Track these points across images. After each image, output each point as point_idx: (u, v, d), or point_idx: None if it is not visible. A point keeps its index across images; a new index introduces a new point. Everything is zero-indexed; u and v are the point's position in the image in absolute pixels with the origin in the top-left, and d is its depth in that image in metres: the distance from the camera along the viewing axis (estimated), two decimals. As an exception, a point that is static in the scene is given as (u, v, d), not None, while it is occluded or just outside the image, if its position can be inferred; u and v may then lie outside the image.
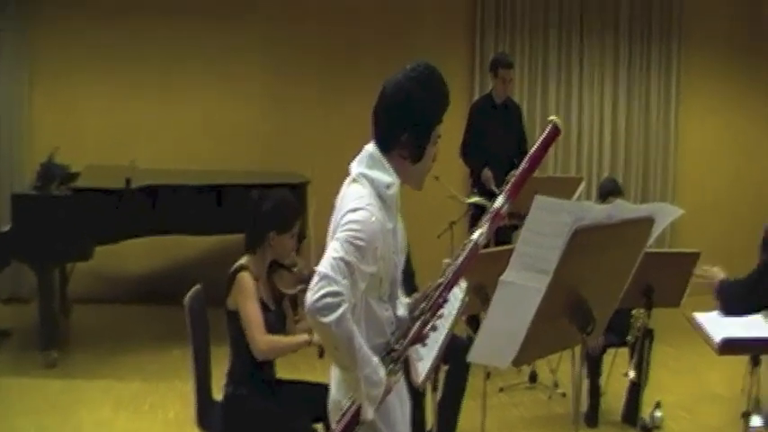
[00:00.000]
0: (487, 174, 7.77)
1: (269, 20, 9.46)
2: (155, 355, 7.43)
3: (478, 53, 9.91)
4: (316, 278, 2.74)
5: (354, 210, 2.85)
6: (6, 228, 7.00)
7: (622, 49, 10.39)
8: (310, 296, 2.71)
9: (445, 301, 3.00)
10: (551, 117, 3.14)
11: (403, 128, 2.94)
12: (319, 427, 4.33)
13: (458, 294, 3.83)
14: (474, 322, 6.06)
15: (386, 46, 9.17)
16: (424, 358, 3.45)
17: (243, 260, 4.50)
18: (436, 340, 3.77)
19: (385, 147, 2.98)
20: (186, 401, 4.69)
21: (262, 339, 4.30)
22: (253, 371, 4.42)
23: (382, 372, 2.87)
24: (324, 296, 2.70)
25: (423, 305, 3.01)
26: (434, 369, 4.10)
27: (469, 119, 8.27)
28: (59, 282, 7.92)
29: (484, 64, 9.28)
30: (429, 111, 2.96)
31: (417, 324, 2.98)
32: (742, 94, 10.86)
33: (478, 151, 8.03)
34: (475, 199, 7.10)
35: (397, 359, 2.96)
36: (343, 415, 2.93)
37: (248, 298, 4.34)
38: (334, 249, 2.77)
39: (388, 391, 2.91)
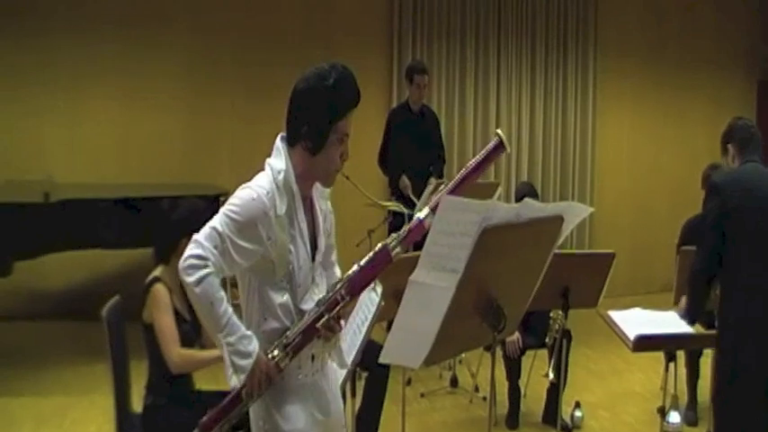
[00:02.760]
0: (405, 181, 7.85)
1: (184, 32, 9.41)
2: (76, 371, 7.35)
3: (396, 61, 9.96)
4: (189, 243, 2.93)
5: (242, 188, 3.01)
6: None
7: (539, 54, 10.53)
8: (181, 259, 2.90)
9: (343, 298, 3.06)
10: (497, 130, 3.19)
11: (303, 120, 3.03)
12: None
13: (374, 299, 3.86)
14: (393, 327, 6.09)
15: (303, 55, 9.16)
16: (343, 365, 3.46)
17: (157, 272, 4.48)
18: (353, 345, 3.80)
19: (290, 139, 3.09)
20: (108, 416, 4.65)
21: (176, 353, 4.29)
22: (170, 382, 4.40)
23: (252, 346, 2.99)
24: (189, 257, 2.91)
25: (319, 299, 3.08)
26: (351, 374, 4.13)
27: (387, 126, 8.35)
28: (-23, 298, 7.80)
29: (402, 72, 9.30)
30: (326, 104, 3.01)
31: (310, 317, 3.06)
32: (655, 95, 11.12)
33: (396, 158, 8.10)
34: (392, 205, 7.14)
35: (285, 347, 3.04)
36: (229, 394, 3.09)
37: (162, 311, 4.33)
38: (212, 221, 2.96)
39: (272, 374, 3.03)
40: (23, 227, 7.04)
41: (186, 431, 4.42)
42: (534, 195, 6.48)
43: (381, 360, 3.13)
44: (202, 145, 9.45)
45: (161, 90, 9.38)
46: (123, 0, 9.22)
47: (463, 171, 3.13)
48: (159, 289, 4.36)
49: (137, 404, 4.61)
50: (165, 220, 4.54)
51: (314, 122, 3.02)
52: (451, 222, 2.81)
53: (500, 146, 3.09)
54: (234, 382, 3.02)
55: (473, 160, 3.13)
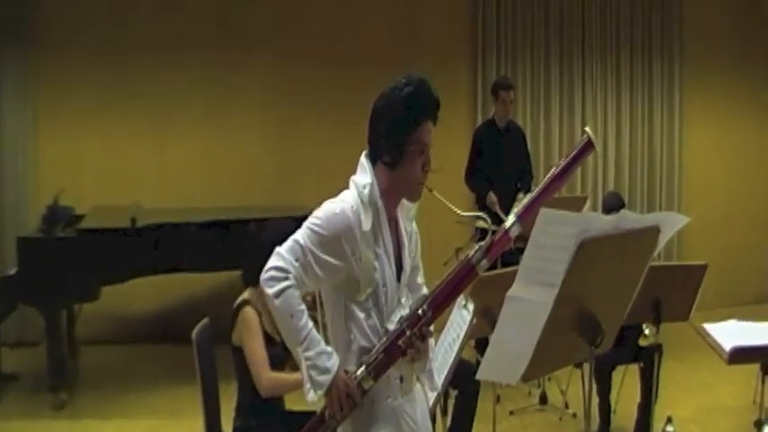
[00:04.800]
0: (492, 197, 7.80)
1: (268, 56, 9.46)
2: (164, 394, 7.40)
3: (480, 78, 9.91)
4: (272, 255, 2.96)
5: (327, 203, 3.02)
6: (13, 271, 7.00)
7: (624, 67, 10.41)
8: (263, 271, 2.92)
9: (425, 313, 3.02)
10: (586, 128, 3.15)
11: (381, 134, 3.03)
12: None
13: (465, 316, 3.83)
14: (482, 346, 6.04)
15: (386, 76, 9.15)
16: (435, 388, 3.42)
17: (245, 294, 4.49)
18: (445, 363, 3.77)
19: (372, 155, 3.08)
20: (198, 438, 4.68)
21: (266, 377, 4.30)
22: (260, 403, 4.40)
23: (331, 362, 2.96)
24: (270, 269, 2.94)
25: (401, 316, 3.05)
26: (443, 394, 4.10)
27: (473, 143, 8.32)
28: (67, 323, 7.89)
29: (486, 87, 9.25)
30: (401, 113, 3.00)
31: (392, 334, 3.03)
32: (743, 106, 10.91)
33: (483, 175, 8.07)
34: (478, 217, 7.10)
35: (367, 365, 3.00)
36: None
37: (252, 334, 4.34)
38: (295, 234, 2.98)
39: (354, 393, 2.98)
40: (111, 252, 7.12)
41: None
42: (622, 205, 6.41)
43: (479, 376, 3.10)
44: (288, 167, 9.48)
45: (246, 113, 9.45)
46: (209, 26, 9.30)
47: (552, 172, 3.08)
48: (248, 312, 4.37)
49: (226, 426, 4.61)
50: (254, 242, 4.55)
51: (390, 133, 3.01)
52: (548, 235, 2.78)
53: (589, 144, 3.04)
54: (311, 395, 2.99)
55: (562, 161, 3.09)
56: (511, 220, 2.99)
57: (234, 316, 4.43)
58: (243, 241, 7.01)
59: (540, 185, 3.06)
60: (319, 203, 3.09)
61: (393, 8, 9.79)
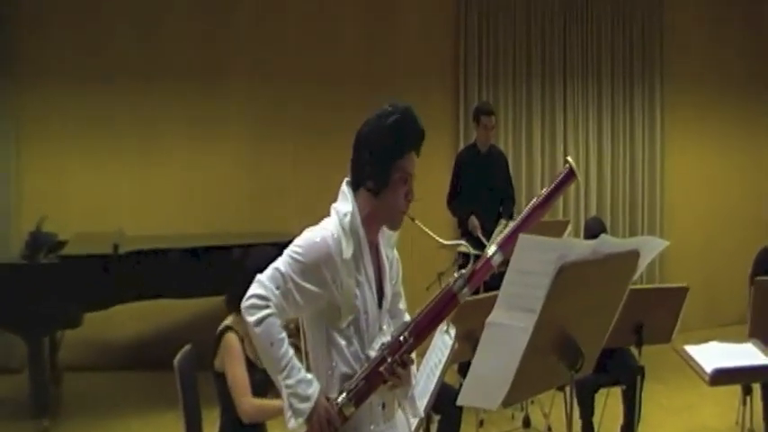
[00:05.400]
0: (474, 222, 7.82)
1: (247, 79, 9.48)
2: (147, 420, 7.37)
3: (462, 102, 9.95)
4: (253, 283, 2.97)
5: (307, 231, 3.04)
6: (-6, 298, 6.98)
7: (605, 91, 10.47)
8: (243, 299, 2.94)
9: (406, 340, 3.03)
10: (567, 158, 3.19)
11: (365, 161, 3.04)
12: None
13: (447, 342, 3.83)
14: (465, 370, 6.04)
15: (368, 99, 9.13)
16: (417, 415, 3.42)
17: (228, 320, 4.49)
18: (427, 388, 3.77)
19: (354, 182, 3.10)
20: (180, 463, 4.67)
21: (248, 403, 4.30)
22: (243, 429, 4.39)
23: (311, 390, 2.97)
24: (250, 297, 2.96)
25: (383, 342, 3.06)
26: (425, 418, 4.10)
27: (455, 168, 8.37)
28: (50, 350, 7.86)
29: (468, 113, 9.31)
30: (387, 141, 3.01)
31: (373, 361, 3.03)
32: (725, 129, 11.00)
33: (465, 200, 8.09)
34: (460, 244, 7.11)
35: (348, 392, 3.01)
36: None
37: (234, 360, 4.34)
38: (276, 261, 2.99)
39: (334, 420, 2.98)
40: (94, 279, 7.10)
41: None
42: (604, 231, 6.42)
43: (459, 402, 3.10)
44: (269, 192, 9.47)
45: (227, 139, 9.45)
46: (187, 50, 9.31)
47: (534, 201, 3.12)
48: (231, 338, 4.38)
49: (208, 453, 4.61)
50: (237, 268, 4.55)
51: (375, 161, 3.02)
52: (528, 261, 2.79)
53: (570, 174, 3.08)
54: (292, 423, 2.99)
55: (544, 190, 3.13)
56: (492, 249, 3.01)
57: (217, 342, 4.43)
58: (225, 267, 7.04)
59: (522, 215, 3.10)
60: (301, 229, 3.10)
61: (375, 31, 9.81)
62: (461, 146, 9.40)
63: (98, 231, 8.05)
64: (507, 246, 2.98)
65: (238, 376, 4.31)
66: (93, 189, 9.08)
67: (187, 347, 4.64)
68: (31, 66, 8.99)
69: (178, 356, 4.51)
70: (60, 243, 7.74)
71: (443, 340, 3.86)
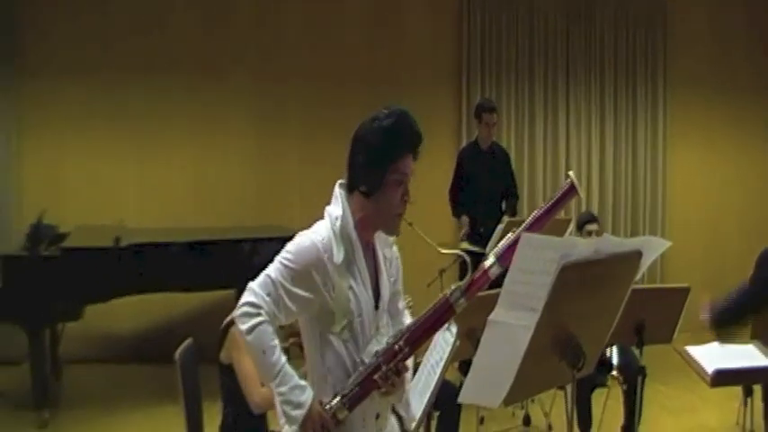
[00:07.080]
0: (465, 220, 7.86)
1: (251, 75, 9.50)
2: (147, 413, 7.36)
3: (465, 101, 9.94)
4: (245, 291, 2.96)
5: (299, 236, 3.02)
6: (-4, 289, 6.98)
7: (608, 90, 10.46)
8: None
9: (401, 349, 3.03)
10: (569, 173, 3.18)
11: (360, 163, 3.02)
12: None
13: (449, 339, 3.82)
14: (466, 368, 6.04)
15: (371, 97, 9.18)
16: (416, 408, 3.42)
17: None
18: (428, 386, 3.76)
19: (349, 185, 3.08)
20: (179, 458, 4.67)
21: (258, 393, 4.29)
22: (245, 423, 4.41)
23: (304, 396, 2.97)
24: (242, 305, 2.95)
25: (377, 350, 3.05)
26: (426, 415, 4.09)
27: (457, 164, 8.37)
28: (50, 342, 7.86)
29: (471, 111, 9.31)
30: (381, 143, 2.99)
31: (368, 368, 3.04)
32: (727, 130, 10.95)
33: (466, 197, 8.09)
34: (456, 250, 7.10)
35: (342, 397, 3.01)
36: None
37: (242, 352, 4.33)
38: (268, 268, 2.97)
39: (328, 425, 2.99)
40: (94, 271, 7.10)
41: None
42: (594, 219, 6.52)
43: (460, 400, 3.09)
44: (271, 187, 9.49)
45: (229, 133, 9.47)
46: (191, 46, 9.32)
47: (534, 214, 3.12)
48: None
49: (209, 447, 4.60)
50: (240, 262, 4.55)
51: (369, 164, 3.00)
52: (530, 260, 2.77)
53: (572, 189, 3.07)
54: (286, 430, 3.01)
55: (544, 204, 3.13)
56: (491, 260, 3.01)
57: (223, 334, 4.44)
58: (226, 261, 7.04)
59: (521, 227, 3.08)
60: (303, 224, 3.09)
61: (378, 29, 9.81)
62: (464, 143, 9.41)
63: (99, 224, 8.05)
64: (506, 258, 2.97)
65: (247, 367, 4.31)
66: (95, 182, 9.10)
67: (188, 341, 4.63)
68: (32, 59, 9.00)
69: (179, 350, 4.50)
70: (61, 235, 7.74)
71: (445, 338, 3.85)
